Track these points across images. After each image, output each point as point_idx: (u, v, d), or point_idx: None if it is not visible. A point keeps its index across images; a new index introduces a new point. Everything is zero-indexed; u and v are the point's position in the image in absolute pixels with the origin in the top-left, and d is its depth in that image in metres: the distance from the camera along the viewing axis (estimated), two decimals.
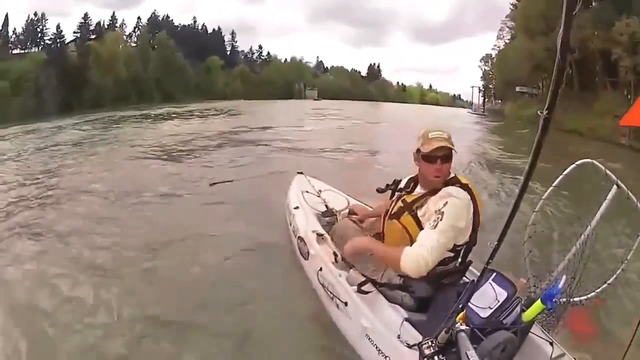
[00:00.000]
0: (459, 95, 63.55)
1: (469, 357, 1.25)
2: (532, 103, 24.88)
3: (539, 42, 23.14)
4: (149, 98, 36.12)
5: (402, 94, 70.50)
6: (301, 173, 3.46)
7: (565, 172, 1.89)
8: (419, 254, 1.54)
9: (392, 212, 1.80)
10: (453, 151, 1.68)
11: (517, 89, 27.32)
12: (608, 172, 1.80)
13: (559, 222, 2.40)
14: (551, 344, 1.50)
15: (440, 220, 1.57)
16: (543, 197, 1.96)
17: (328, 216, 2.67)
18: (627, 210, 1.75)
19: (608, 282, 1.85)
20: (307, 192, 3.03)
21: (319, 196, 2.97)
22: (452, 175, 1.73)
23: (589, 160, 1.83)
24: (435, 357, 1.30)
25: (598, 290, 1.85)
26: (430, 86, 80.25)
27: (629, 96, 17.32)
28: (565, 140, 10.75)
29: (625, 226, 1.89)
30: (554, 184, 1.93)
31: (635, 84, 17.29)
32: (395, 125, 17.28)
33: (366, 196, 2.86)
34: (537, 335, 1.55)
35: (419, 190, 1.79)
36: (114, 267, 2.83)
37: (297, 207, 2.79)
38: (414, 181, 1.86)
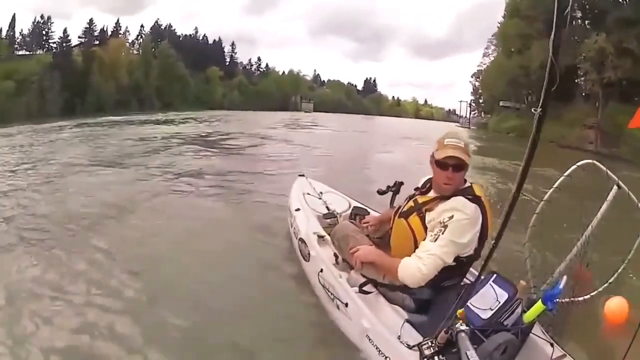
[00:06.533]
0: (454, 110, 64.61)
1: (469, 357, 1.24)
2: (512, 116, 27.67)
3: (514, 60, 25.56)
4: (150, 105, 36.79)
5: (396, 108, 72.32)
6: (302, 175, 3.47)
7: (566, 173, 1.88)
8: (416, 267, 1.55)
9: (403, 211, 1.79)
10: (468, 161, 1.62)
11: (501, 103, 29.20)
12: (609, 172, 1.79)
13: (559, 223, 2.38)
14: (552, 345, 1.50)
15: (442, 233, 1.55)
16: (545, 199, 1.94)
17: (329, 218, 2.67)
18: (628, 210, 1.74)
19: (609, 281, 1.84)
20: (309, 194, 3.04)
21: (320, 198, 2.98)
22: (467, 184, 1.68)
23: (590, 160, 1.82)
24: (435, 358, 1.30)
25: (599, 289, 1.84)
26: (426, 101, 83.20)
27: (597, 106, 19.22)
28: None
29: (625, 226, 1.87)
30: (555, 185, 1.91)
31: (603, 96, 18.94)
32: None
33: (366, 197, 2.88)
34: (538, 337, 1.54)
35: (432, 193, 1.75)
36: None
37: (298, 209, 2.80)
38: (430, 182, 1.80)
